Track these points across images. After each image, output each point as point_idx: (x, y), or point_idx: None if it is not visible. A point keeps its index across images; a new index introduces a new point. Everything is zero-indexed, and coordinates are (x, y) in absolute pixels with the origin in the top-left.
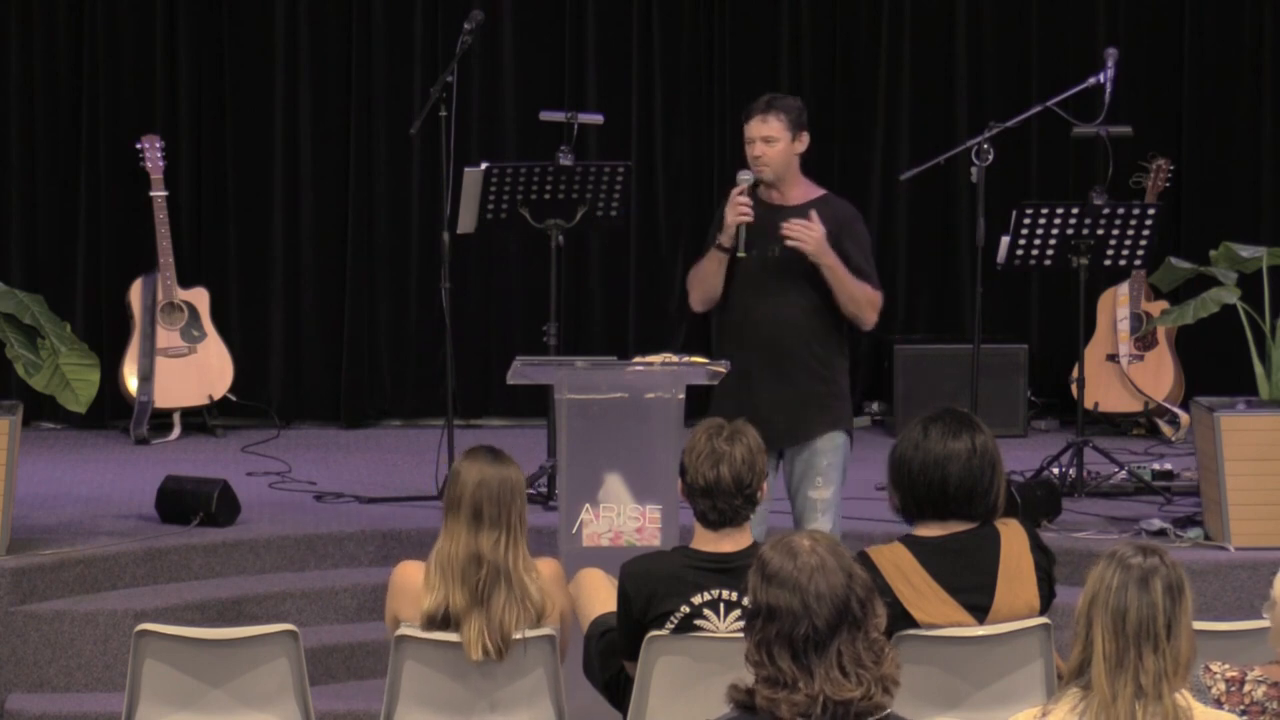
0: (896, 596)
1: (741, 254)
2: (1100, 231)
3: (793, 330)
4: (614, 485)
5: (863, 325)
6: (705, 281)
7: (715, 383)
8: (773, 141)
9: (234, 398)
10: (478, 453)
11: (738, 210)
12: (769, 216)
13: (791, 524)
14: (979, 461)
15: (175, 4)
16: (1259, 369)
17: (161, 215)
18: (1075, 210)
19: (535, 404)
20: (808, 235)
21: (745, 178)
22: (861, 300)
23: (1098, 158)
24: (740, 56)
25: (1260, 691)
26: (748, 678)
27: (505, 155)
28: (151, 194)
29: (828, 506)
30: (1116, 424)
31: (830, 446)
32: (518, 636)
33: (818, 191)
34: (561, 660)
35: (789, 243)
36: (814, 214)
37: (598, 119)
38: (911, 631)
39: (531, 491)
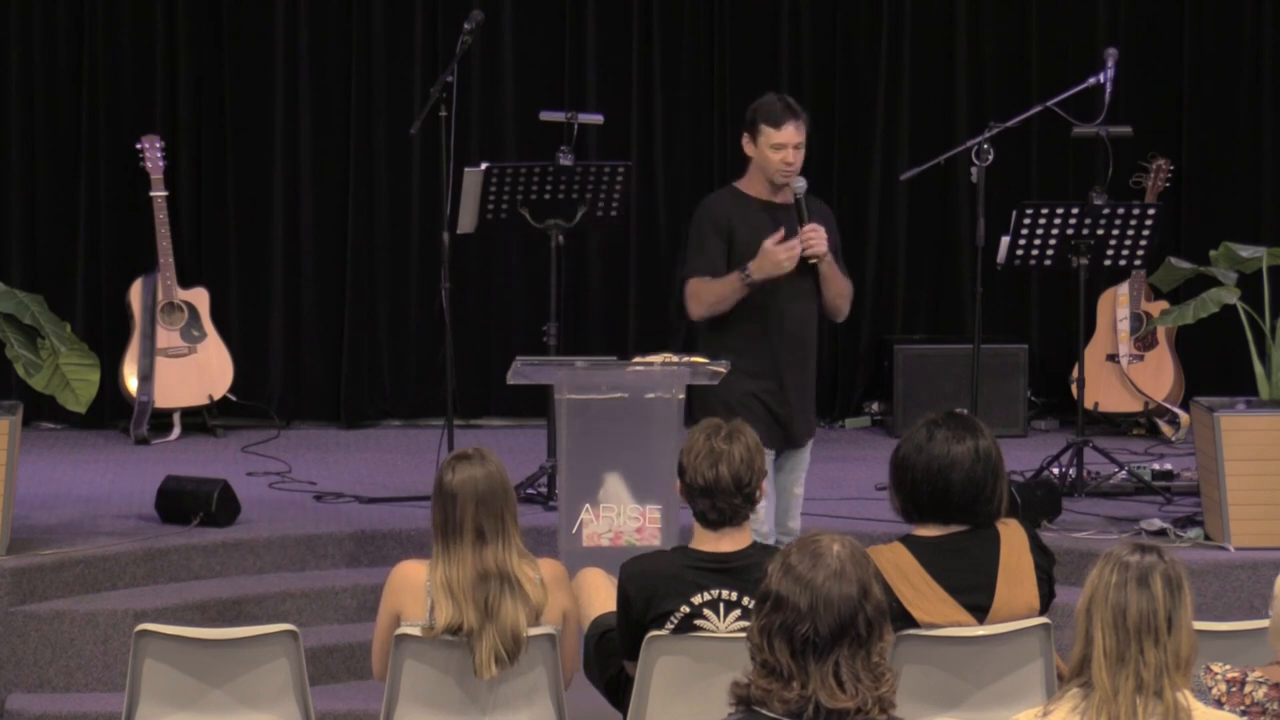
0: (896, 596)
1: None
2: (1100, 231)
3: (806, 325)
4: (614, 485)
5: (840, 317)
6: (721, 304)
7: (715, 382)
8: (801, 147)
9: (234, 398)
10: (461, 464)
11: (806, 246)
12: (775, 215)
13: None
14: (982, 467)
15: (175, 4)
16: (1259, 369)
17: (161, 215)
18: (1075, 210)
19: (535, 404)
20: (819, 239)
21: (800, 187)
22: (846, 293)
23: (1098, 158)
24: (740, 56)
25: (1261, 692)
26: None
27: (505, 155)
28: (151, 194)
29: (800, 503)
30: (1116, 424)
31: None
32: (528, 634)
33: None
34: (568, 661)
35: (807, 253)
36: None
37: (598, 119)
38: (911, 631)
39: (531, 491)
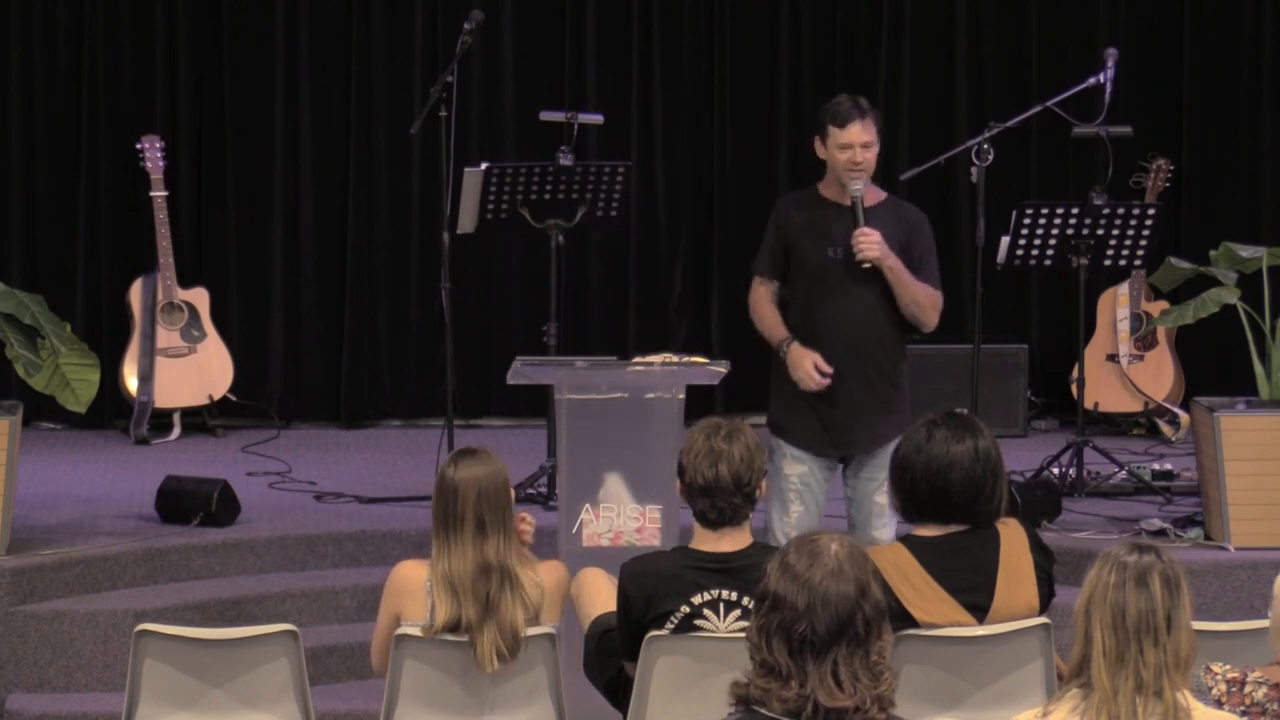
0: (896, 596)
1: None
2: (1100, 231)
3: (864, 330)
4: (614, 485)
5: (923, 326)
6: (761, 332)
7: (715, 383)
8: (871, 146)
9: (234, 398)
10: (464, 460)
11: (856, 250)
12: (837, 217)
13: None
14: (981, 467)
15: (175, 4)
16: (1259, 369)
17: (161, 215)
18: (1075, 210)
19: (535, 404)
20: (869, 244)
21: (857, 190)
22: (924, 302)
23: (1098, 158)
24: (740, 56)
25: (1261, 693)
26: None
27: (505, 155)
28: (151, 194)
29: (891, 512)
30: (1116, 424)
31: None
32: (527, 633)
33: (882, 194)
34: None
35: (859, 258)
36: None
37: (598, 119)
38: (911, 631)
39: (531, 491)
